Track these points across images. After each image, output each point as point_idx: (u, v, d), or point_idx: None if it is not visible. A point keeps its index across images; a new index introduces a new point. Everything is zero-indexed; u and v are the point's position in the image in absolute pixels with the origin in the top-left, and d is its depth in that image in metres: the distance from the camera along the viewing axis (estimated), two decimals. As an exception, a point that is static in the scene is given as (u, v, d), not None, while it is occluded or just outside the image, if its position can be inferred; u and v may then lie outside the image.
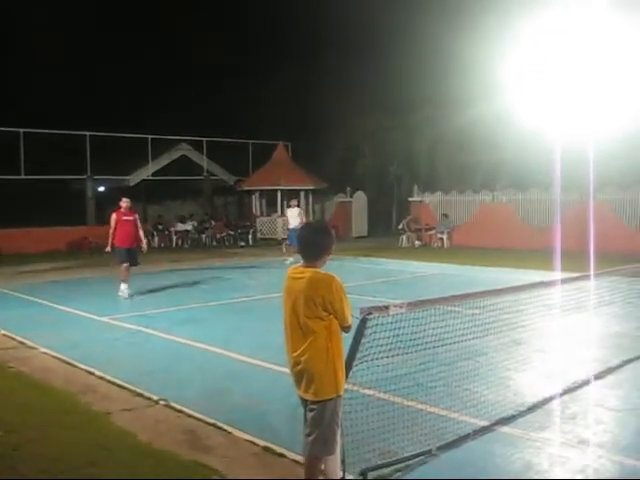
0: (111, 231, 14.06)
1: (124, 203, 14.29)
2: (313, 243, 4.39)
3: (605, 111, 18.40)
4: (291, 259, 18.82)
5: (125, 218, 14.11)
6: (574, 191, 22.35)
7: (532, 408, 6.54)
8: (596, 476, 5.04)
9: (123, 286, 14.02)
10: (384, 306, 4.82)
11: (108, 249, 14.26)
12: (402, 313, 5.09)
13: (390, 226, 33.09)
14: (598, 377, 7.66)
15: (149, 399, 6.98)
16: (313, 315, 4.17)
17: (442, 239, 26.60)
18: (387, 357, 5.36)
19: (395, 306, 4.88)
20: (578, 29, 18.54)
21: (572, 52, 18.87)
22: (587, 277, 8.69)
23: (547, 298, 8.31)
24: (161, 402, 6.87)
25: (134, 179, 30.51)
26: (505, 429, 5.99)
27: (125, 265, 14.00)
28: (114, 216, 14.12)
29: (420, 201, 28.87)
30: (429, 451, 5.36)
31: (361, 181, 33.39)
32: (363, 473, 4.92)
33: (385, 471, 5.05)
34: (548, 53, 19.64)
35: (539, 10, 19.44)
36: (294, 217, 20.62)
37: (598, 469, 5.16)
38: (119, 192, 31.29)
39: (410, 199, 29.44)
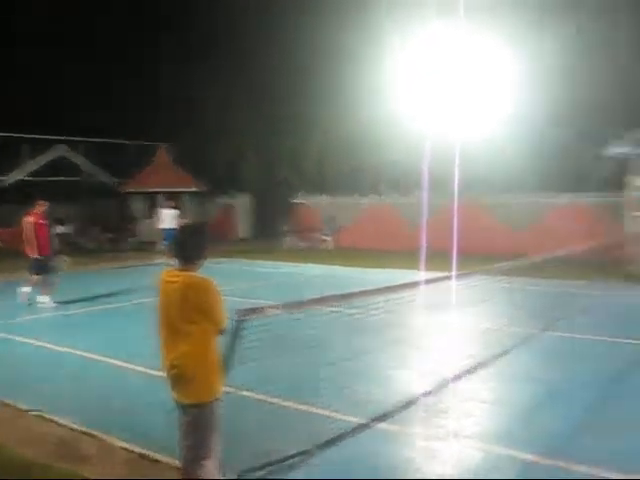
0: (32, 237, 12.47)
1: (42, 207, 12.80)
2: (188, 245, 4.31)
3: (475, 115, 19.24)
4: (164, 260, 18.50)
5: (43, 222, 12.76)
6: (444, 193, 22.94)
7: (408, 404, 6.75)
8: (462, 465, 5.28)
9: (46, 298, 12.75)
10: (260, 308, 4.84)
11: (37, 257, 12.53)
12: (279, 314, 5.13)
13: (275, 229, 33.14)
14: (470, 372, 8.01)
15: (20, 410, 6.70)
16: (188, 319, 4.11)
17: (327, 241, 26.91)
18: (265, 359, 5.39)
19: (271, 307, 4.92)
20: (452, 36, 19.26)
21: (448, 58, 19.59)
22: (450, 277, 8.99)
23: (419, 298, 8.59)
24: (33, 412, 6.59)
25: (9, 180, 29.14)
26: (382, 425, 6.16)
27: (41, 277, 12.76)
28: (31, 220, 12.60)
29: (304, 203, 29.09)
30: (308, 451, 5.43)
31: (248, 183, 33.27)
32: (241, 475, 4.92)
33: (263, 472, 5.08)
34: (427, 58, 20.29)
35: (419, 17, 20.04)
36: (170, 218, 20.40)
37: (464, 458, 5.42)
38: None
39: (294, 201, 29.61)
